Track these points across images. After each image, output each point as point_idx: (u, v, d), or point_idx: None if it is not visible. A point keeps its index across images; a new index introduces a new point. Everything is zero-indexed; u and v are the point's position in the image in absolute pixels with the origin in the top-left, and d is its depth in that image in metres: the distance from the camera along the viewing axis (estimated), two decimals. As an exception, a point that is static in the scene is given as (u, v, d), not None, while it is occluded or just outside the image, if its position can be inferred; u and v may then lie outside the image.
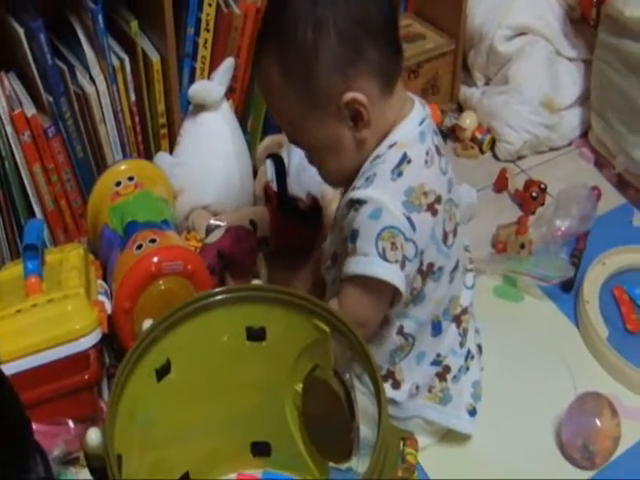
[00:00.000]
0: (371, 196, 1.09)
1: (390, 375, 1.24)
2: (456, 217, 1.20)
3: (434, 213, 1.13)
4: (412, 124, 1.15)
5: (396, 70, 1.14)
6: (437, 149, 1.16)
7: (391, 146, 1.13)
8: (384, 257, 1.09)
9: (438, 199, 1.14)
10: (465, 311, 1.30)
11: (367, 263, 1.10)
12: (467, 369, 1.31)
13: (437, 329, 1.25)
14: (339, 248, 1.21)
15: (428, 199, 1.12)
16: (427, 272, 1.17)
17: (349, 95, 1.08)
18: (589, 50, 1.90)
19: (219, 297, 1.09)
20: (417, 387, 1.26)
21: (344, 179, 1.19)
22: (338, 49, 1.07)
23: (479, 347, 1.36)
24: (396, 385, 1.25)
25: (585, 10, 1.87)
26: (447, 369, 1.28)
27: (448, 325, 1.27)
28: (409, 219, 1.10)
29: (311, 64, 1.07)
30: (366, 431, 1.05)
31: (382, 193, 1.10)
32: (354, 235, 1.11)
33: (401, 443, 0.99)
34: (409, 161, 1.12)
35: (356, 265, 1.11)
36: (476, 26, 1.94)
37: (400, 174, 1.11)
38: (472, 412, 1.30)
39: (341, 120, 1.11)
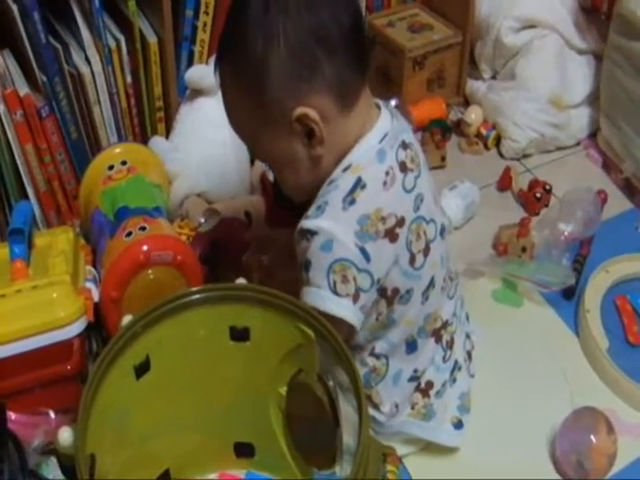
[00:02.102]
0: (322, 227, 1.05)
1: (367, 398, 1.20)
2: (427, 235, 1.14)
3: (393, 239, 1.08)
4: (371, 143, 1.09)
5: (357, 87, 1.08)
6: (402, 165, 1.10)
7: (345, 169, 1.08)
8: (335, 291, 1.05)
9: (400, 222, 1.09)
10: (446, 324, 1.25)
11: (320, 296, 1.06)
12: (454, 381, 1.27)
13: (412, 347, 1.21)
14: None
15: (387, 224, 1.07)
16: (393, 297, 1.13)
17: (299, 110, 1.03)
18: (601, 42, 1.84)
19: (201, 295, 1.06)
20: (397, 406, 1.23)
21: (303, 194, 1.15)
22: (288, 62, 1.02)
23: (468, 354, 1.32)
24: (375, 407, 1.22)
25: (596, 3, 1.83)
26: (429, 385, 1.25)
27: (425, 342, 1.22)
28: (362, 249, 1.05)
29: (262, 77, 1.03)
30: (350, 440, 1.03)
31: (333, 224, 1.05)
32: (307, 265, 1.07)
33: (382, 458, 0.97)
34: (364, 186, 1.06)
35: (310, 296, 1.07)
36: (483, 16, 1.90)
37: (353, 202, 1.06)
38: (458, 425, 1.26)
39: (294, 136, 1.07)
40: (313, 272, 1.06)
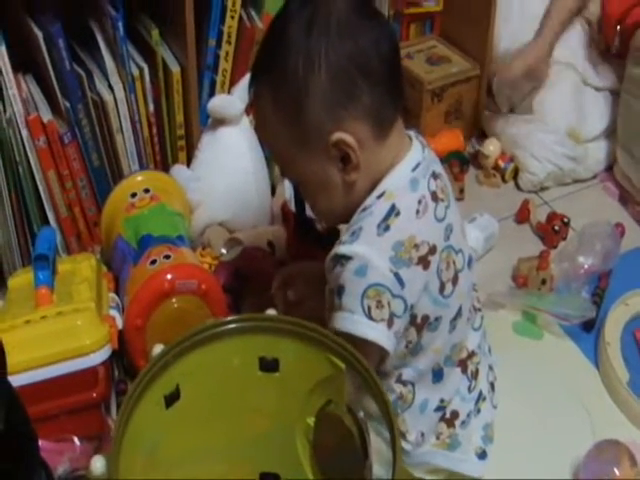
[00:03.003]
0: (357, 252, 1.05)
1: None
2: (456, 265, 1.15)
3: (426, 266, 1.09)
4: (404, 171, 1.09)
5: (392, 115, 1.09)
6: (433, 195, 1.11)
7: (380, 196, 1.08)
8: (369, 316, 1.05)
9: (432, 250, 1.09)
10: (472, 354, 1.25)
11: (353, 321, 1.06)
12: (478, 411, 1.27)
13: (438, 376, 1.21)
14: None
15: (420, 252, 1.07)
16: (422, 324, 1.13)
17: (337, 135, 1.04)
18: (617, 80, 1.86)
19: (232, 325, 1.05)
20: (422, 434, 1.22)
21: (335, 218, 1.16)
22: (328, 87, 1.03)
23: (492, 385, 1.32)
24: (401, 436, 1.21)
25: (608, 40, 1.84)
26: (455, 415, 1.24)
27: (451, 370, 1.22)
28: (397, 275, 1.05)
29: (301, 99, 1.03)
30: (378, 471, 1.02)
31: (368, 249, 1.05)
32: (340, 290, 1.07)
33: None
34: (397, 213, 1.07)
35: (343, 321, 1.07)
36: (501, 52, 1.91)
37: (387, 228, 1.06)
38: (482, 455, 1.26)
39: (329, 160, 1.07)
40: (347, 297, 1.06)
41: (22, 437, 0.92)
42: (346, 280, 1.06)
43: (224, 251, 1.50)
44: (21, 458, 0.92)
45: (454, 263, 1.14)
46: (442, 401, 1.23)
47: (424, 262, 1.08)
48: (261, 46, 1.12)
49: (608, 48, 1.86)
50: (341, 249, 1.07)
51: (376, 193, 1.09)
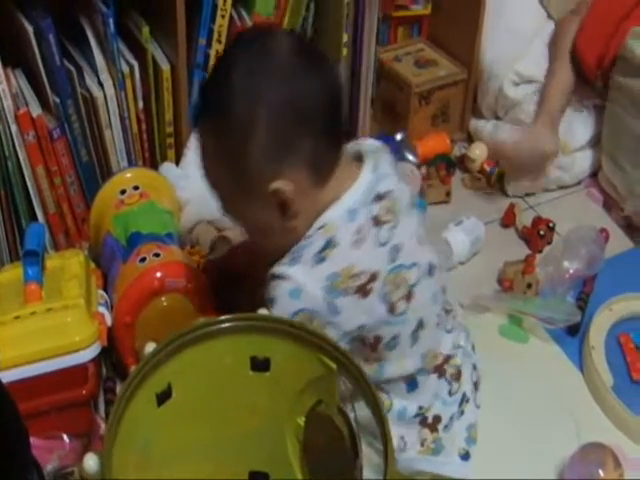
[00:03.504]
0: (293, 276, 1.08)
1: None
2: (408, 281, 1.15)
3: (366, 294, 1.10)
4: (345, 203, 1.10)
5: (333, 161, 1.09)
6: (375, 219, 1.11)
7: (320, 228, 1.09)
8: None
9: (373, 277, 1.10)
10: (448, 358, 1.26)
11: None
12: (462, 413, 1.28)
13: (412, 385, 1.22)
14: None
15: (358, 281, 1.09)
16: (376, 344, 1.15)
17: (276, 184, 1.05)
18: (599, 99, 1.88)
19: (225, 325, 1.05)
20: (403, 438, 1.23)
21: (276, 255, 1.15)
22: (269, 134, 1.03)
23: (475, 385, 1.33)
24: None
25: (590, 81, 1.85)
26: (437, 419, 1.25)
27: (426, 379, 1.23)
28: (330, 304, 1.08)
29: (243, 145, 1.03)
30: (368, 475, 1.03)
31: (303, 276, 1.08)
32: (272, 302, 1.09)
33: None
34: (334, 245, 1.08)
35: None
36: (486, 64, 1.92)
37: (322, 260, 1.08)
38: (465, 456, 1.27)
39: (269, 206, 1.08)
40: (276, 312, 1.08)
41: (14, 434, 0.91)
42: (279, 297, 1.08)
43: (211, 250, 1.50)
44: (13, 455, 0.91)
45: (405, 280, 1.14)
46: (421, 408, 1.24)
47: (363, 291, 1.09)
48: (204, 88, 1.14)
49: (590, 85, 1.88)
50: (280, 269, 1.09)
51: (317, 225, 1.10)
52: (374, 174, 1.13)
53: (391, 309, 1.13)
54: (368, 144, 1.20)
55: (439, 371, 1.24)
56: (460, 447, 1.27)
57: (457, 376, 1.27)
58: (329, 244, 1.08)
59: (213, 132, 1.08)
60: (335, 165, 1.09)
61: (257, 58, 1.04)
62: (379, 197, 1.12)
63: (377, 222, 1.11)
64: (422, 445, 1.25)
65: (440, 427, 1.25)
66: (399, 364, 1.19)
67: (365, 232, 1.10)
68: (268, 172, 1.04)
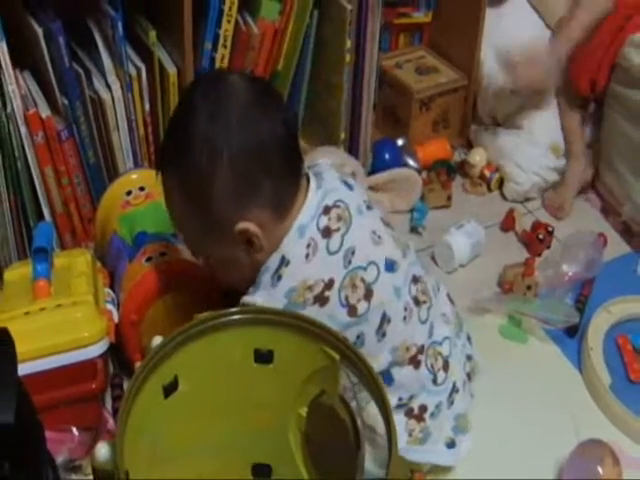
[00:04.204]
0: (255, 301, 1.14)
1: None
2: (366, 280, 1.18)
3: (324, 302, 1.15)
4: (293, 228, 1.15)
5: (292, 192, 1.15)
6: (324, 231, 1.15)
7: (275, 251, 1.15)
8: None
9: (328, 285, 1.15)
10: (422, 348, 1.26)
11: None
12: (451, 403, 1.30)
13: (388, 379, 1.24)
14: None
15: (314, 291, 1.14)
16: None
17: (241, 225, 1.11)
18: (595, 104, 1.91)
19: (231, 317, 1.07)
20: None
21: (244, 284, 1.20)
22: (231, 178, 1.08)
23: (468, 375, 1.36)
24: (371, 429, 1.22)
25: (585, 99, 1.88)
26: (423, 409, 1.27)
27: (400, 371, 1.25)
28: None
29: (206, 190, 1.09)
30: (370, 463, 1.04)
31: (265, 298, 1.14)
32: None
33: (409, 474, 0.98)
34: (287, 263, 1.14)
35: None
36: (485, 72, 1.95)
37: (279, 278, 1.14)
38: (450, 444, 1.29)
39: (235, 244, 1.14)
40: None
41: (30, 429, 0.94)
42: None
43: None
44: (30, 450, 0.93)
45: (363, 281, 1.18)
46: (401, 399, 1.26)
47: (321, 300, 1.14)
48: (166, 135, 1.17)
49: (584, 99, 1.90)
50: (244, 299, 1.16)
51: (274, 251, 1.15)
52: (320, 190, 1.18)
53: (351, 311, 1.17)
54: (314, 165, 1.25)
55: (414, 362, 1.26)
56: (447, 436, 1.29)
57: (444, 366, 1.29)
58: (282, 263, 1.14)
59: (177, 177, 1.12)
60: (295, 197, 1.15)
61: (215, 103, 1.09)
62: (327, 209, 1.17)
63: (326, 233, 1.16)
64: (410, 436, 1.26)
65: (427, 415, 1.27)
66: (371, 361, 1.20)
67: (315, 245, 1.15)
68: (233, 214, 1.10)
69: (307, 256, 1.14)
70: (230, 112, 1.09)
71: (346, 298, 1.16)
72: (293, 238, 1.14)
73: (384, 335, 1.21)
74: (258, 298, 1.14)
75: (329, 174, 1.22)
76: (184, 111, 1.12)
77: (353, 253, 1.17)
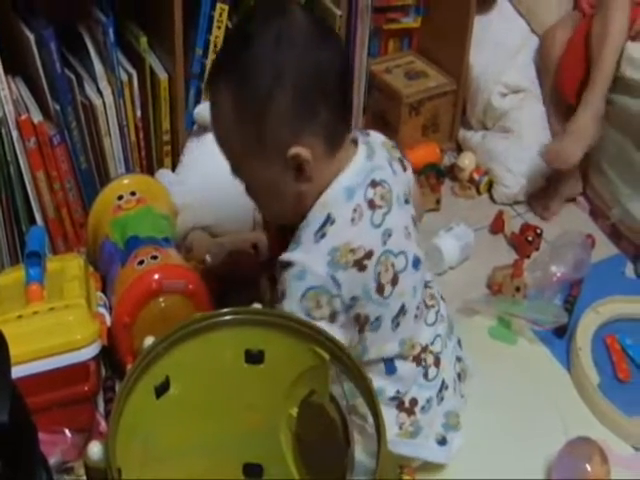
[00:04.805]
0: (296, 259, 1.12)
1: (354, 410, 1.23)
2: (395, 267, 1.19)
3: (362, 269, 1.14)
4: (342, 183, 1.14)
5: (345, 131, 1.14)
6: (370, 203, 1.15)
7: (317, 207, 1.14)
8: (310, 315, 1.12)
9: (368, 255, 1.14)
10: (426, 348, 1.29)
11: None
12: (441, 399, 1.31)
13: (391, 368, 1.26)
14: None
15: (356, 255, 1.13)
16: (364, 323, 1.19)
17: (295, 150, 1.09)
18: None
19: (222, 318, 1.08)
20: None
21: (282, 220, 1.22)
22: (292, 101, 1.07)
23: (459, 375, 1.37)
24: (362, 419, 1.23)
25: (568, 99, 1.88)
26: (414, 402, 1.28)
27: (404, 365, 1.27)
28: (333, 277, 1.12)
29: (265, 111, 1.07)
30: (361, 458, 1.05)
31: (306, 256, 1.12)
32: (282, 295, 1.13)
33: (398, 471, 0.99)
34: (333, 222, 1.13)
35: None
36: (473, 77, 1.97)
37: (323, 236, 1.13)
38: (441, 441, 1.30)
39: (284, 170, 1.12)
40: (287, 301, 1.12)
41: (24, 429, 0.93)
42: (287, 284, 1.12)
43: (208, 258, 1.53)
44: (23, 450, 0.93)
45: (393, 266, 1.18)
46: (398, 392, 1.27)
47: (360, 265, 1.14)
48: (225, 49, 1.16)
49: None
50: (284, 257, 1.14)
51: (317, 204, 1.14)
52: (369, 161, 1.17)
53: (379, 290, 1.17)
54: (371, 135, 1.24)
55: (417, 360, 1.28)
56: (437, 432, 1.30)
57: (435, 362, 1.30)
58: (327, 221, 1.12)
59: (234, 97, 1.09)
60: (345, 138, 1.14)
61: (279, 27, 1.08)
62: (374, 183, 1.17)
63: (372, 205, 1.15)
64: (400, 428, 1.27)
65: (417, 409, 1.28)
66: (379, 347, 1.22)
67: (361, 212, 1.14)
68: (288, 137, 1.08)
69: (353, 220, 1.13)
70: (294, 36, 1.08)
71: (379, 275, 1.16)
72: (340, 199, 1.13)
73: (398, 325, 1.22)
74: (297, 254, 1.13)
75: (380, 151, 1.22)
76: (247, 28, 1.11)
77: (390, 236, 1.18)
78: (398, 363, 1.25)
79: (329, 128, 1.10)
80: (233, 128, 1.11)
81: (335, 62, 1.10)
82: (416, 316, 1.26)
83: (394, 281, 1.19)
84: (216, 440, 1.16)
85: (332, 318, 1.13)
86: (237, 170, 1.18)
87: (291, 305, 1.12)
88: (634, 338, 1.57)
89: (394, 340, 1.24)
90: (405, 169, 1.27)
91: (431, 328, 1.31)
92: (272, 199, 1.17)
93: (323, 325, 1.10)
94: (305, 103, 1.07)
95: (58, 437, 1.21)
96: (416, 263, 1.24)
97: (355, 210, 1.14)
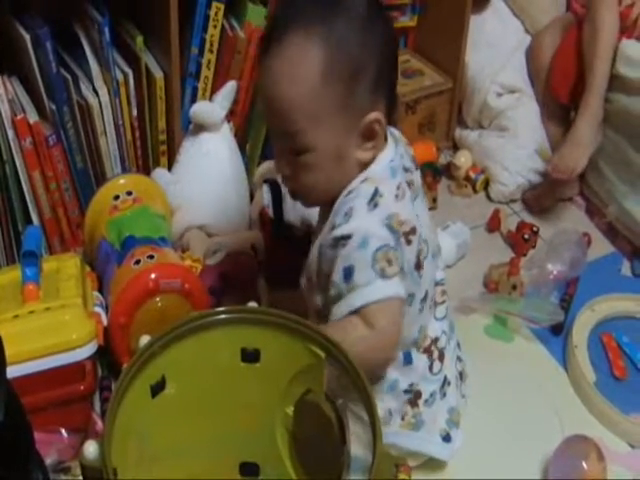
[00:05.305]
0: (354, 228, 1.10)
1: None
2: (423, 252, 1.20)
3: (408, 242, 1.15)
4: (383, 161, 1.16)
5: (394, 105, 1.17)
6: (408, 184, 1.18)
7: (363, 181, 1.14)
8: (384, 276, 1.10)
9: (413, 230, 1.15)
10: (435, 340, 1.29)
11: (370, 292, 1.10)
12: (444, 395, 1.31)
13: (408, 358, 1.25)
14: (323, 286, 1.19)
15: (404, 227, 1.14)
16: None
17: (375, 115, 1.10)
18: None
19: (218, 317, 1.08)
20: (390, 413, 1.26)
21: (316, 196, 1.19)
22: (379, 69, 1.10)
23: (460, 374, 1.37)
24: None
25: (561, 99, 1.89)
26: (418, 394, 1.28)
27: (418, 355, 1.27)
28: (393, 233, 1.12)
29: (359, 76, 1.09)
30: (357, 455, 1.05)
31: (364, 221, 1.11)
32: (350, 271, 1.10)
33: (394, 469, 0.99)
34: (381, 195, 1.13)
35: (359, 299, 1.10)
36: (469, 77, 1.97)
37: (376, 205, 1.12)
38: (446, 438, 1.30)
39: (354, 134, 1.12)
40: (358, 273, 1.10)
41: (20, 429, 0.93)
42: (352, 257, 1.10)
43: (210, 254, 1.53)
44: (19, 450, 0.93)
45: (422, 251, 1.20)
46: (411, 385, 1.27)
47: (407, 238, 1.14)
48: (311, 6, 1.11)
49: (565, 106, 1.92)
50: (339, 231, 1.11)
51: (360, 178, 1.14)
52: (397, 151, 1.19)
53: (418, 266, 1.18)
54: (390, 127, 1.24)
55: (428, 353, 1.28)
56: (441, 427, 1.30)
57: (440, 357, 1.30)
58: (377, 193, 1.12)
59: (325, 56, 1.07)
60: (393, 115, 1.18)
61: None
62: (405, 169, 1.19)
63: (410, 186, 1.18)
64: (403, 419, 1.27)
65: (420, 402, 1.28)
66: (407, 328, 1.21)
67: (403, 191, 1.16)
68: (371, 102, 1.10)
69: (397, 197, 1.14)
70: (374, 12, 1.11)
71: (419, 252, 1.18)
72: (386, 175, 1.15)
73: (421, 310, 1.23)
74: (354, 224, 1.10)
75: (400, 142, 1.24)
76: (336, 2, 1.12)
77: (419, 219, 1.19)
78: (414, 354, 1.26)
79: (392, 99, 1.14)
80: (313, 88, 1.08)
81: (395, 36, 1.17)
82: (430, 307, 1.27)
83: (418, 266, 1.19)
84: (212, 439, 1.16)
85: (401, 276, 1.12)
86: (297, 133, 1.11)
87: (364, 275, 1.09)
88: (630, 336, 1.57)
89: (417, 324, 1.24)
90: (416, 167, 1.28)
91: (439, 323, 1.31)
92: (319, 166, 1.14)
93: (396, 281, 1.10)
94: (385, 72, 1.11)
95: (54, 437, 1.20)
96: (434, 255, 1.26)
97: (398, 187, 1.15)
